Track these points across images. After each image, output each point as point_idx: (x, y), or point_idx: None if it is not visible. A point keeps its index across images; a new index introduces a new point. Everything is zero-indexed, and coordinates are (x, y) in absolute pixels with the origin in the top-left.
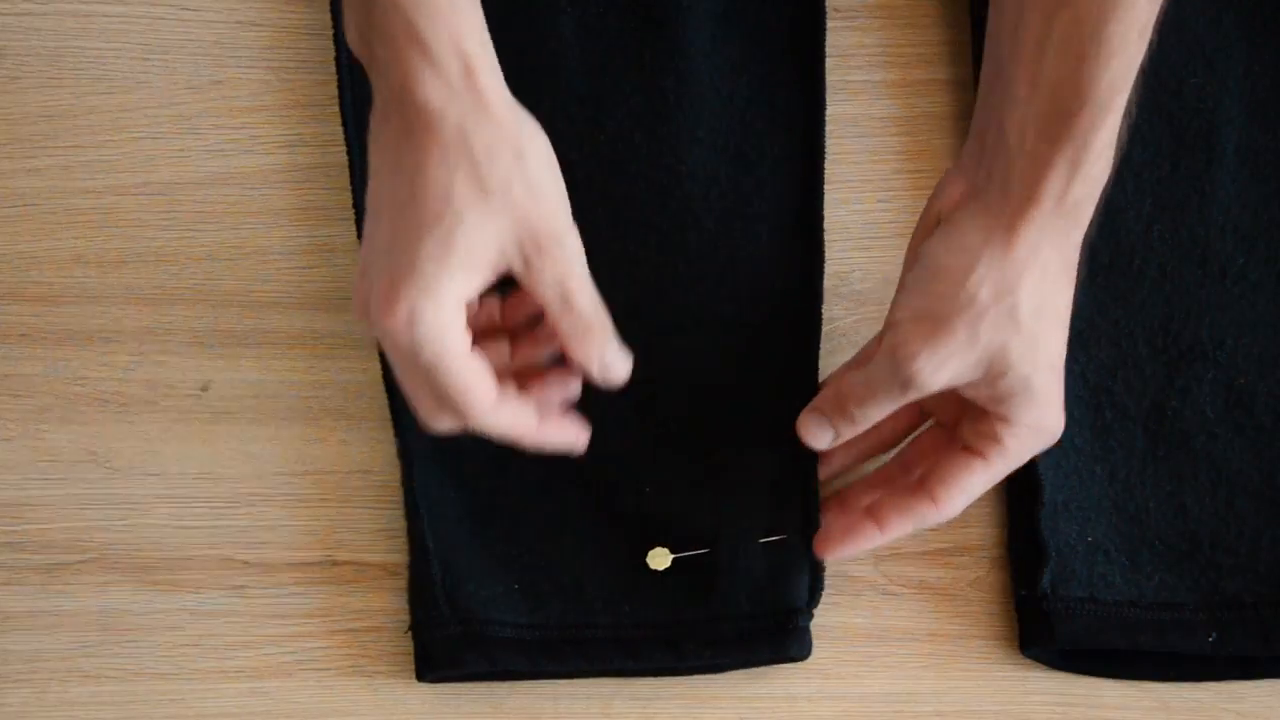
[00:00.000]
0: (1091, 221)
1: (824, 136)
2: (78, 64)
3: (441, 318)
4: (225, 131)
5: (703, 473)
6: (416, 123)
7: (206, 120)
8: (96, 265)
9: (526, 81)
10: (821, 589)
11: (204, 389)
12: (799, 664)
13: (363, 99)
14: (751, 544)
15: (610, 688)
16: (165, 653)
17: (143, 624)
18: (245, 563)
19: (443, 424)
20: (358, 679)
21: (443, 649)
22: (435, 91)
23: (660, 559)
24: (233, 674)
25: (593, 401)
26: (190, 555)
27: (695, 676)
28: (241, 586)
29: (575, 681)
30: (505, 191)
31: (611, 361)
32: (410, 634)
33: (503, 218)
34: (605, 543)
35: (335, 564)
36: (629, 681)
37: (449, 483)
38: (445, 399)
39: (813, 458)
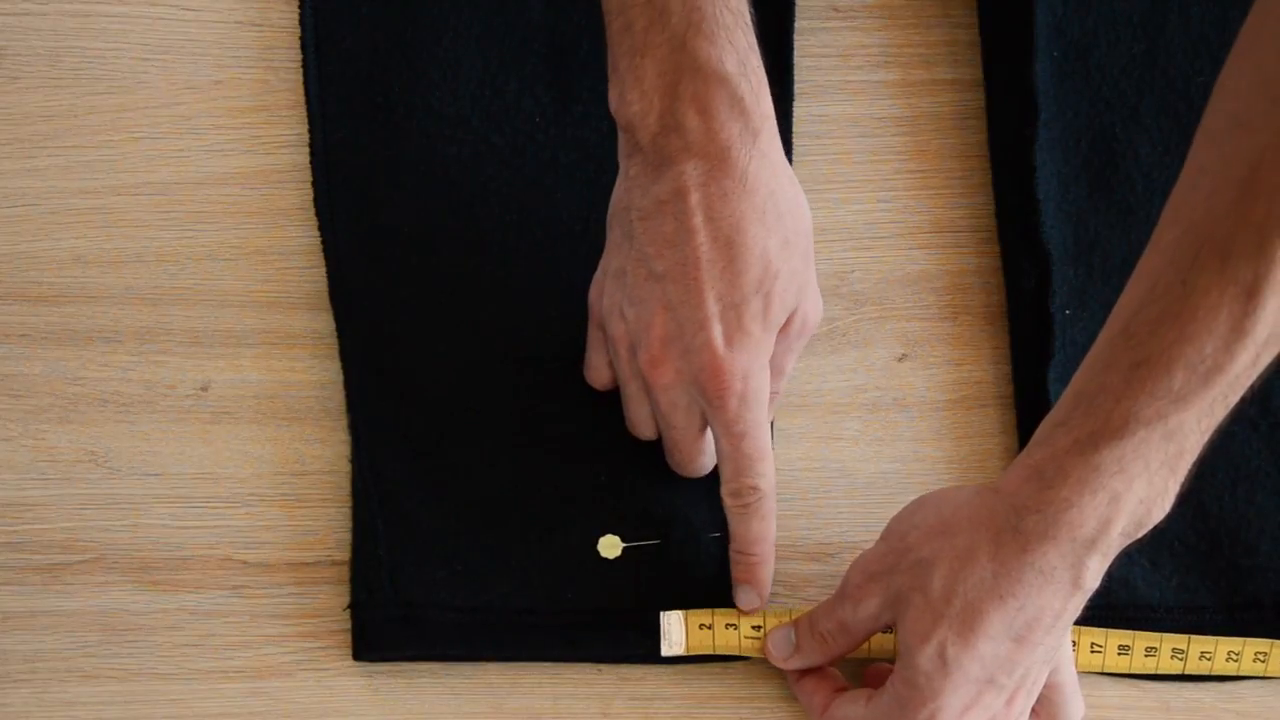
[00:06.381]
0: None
1: (792, 127)
2: (78, 64)
3: (766, 379)
4: (225, 131)
5: (658, 464)
6: (734, 188)
7: (206, 120)
8: (96, 265)
9: (494, 64)
10: None
11: (204, 389)
12: None
13: (331, 100)
14: (702, 538)
15: (610, 688)
16: (165, 653)
17: (143, 624)
18: (245, 563)
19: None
20: (358, 679)
21: (383, 631)
22: (753, 157)
23: (611, 547)
24: (233, 674)
25: (552, 387)
26: (190, 555)
27: (695, 677)
28: (241, 586)
29: (575, 681)
30: (800, 245)
31: None
32: (349, 613)
33: (798, 268)
34: (555, 528)
35: (335, 564)
36: (629, 681)
37: (400, 462)
38: (734, 459)
39: None
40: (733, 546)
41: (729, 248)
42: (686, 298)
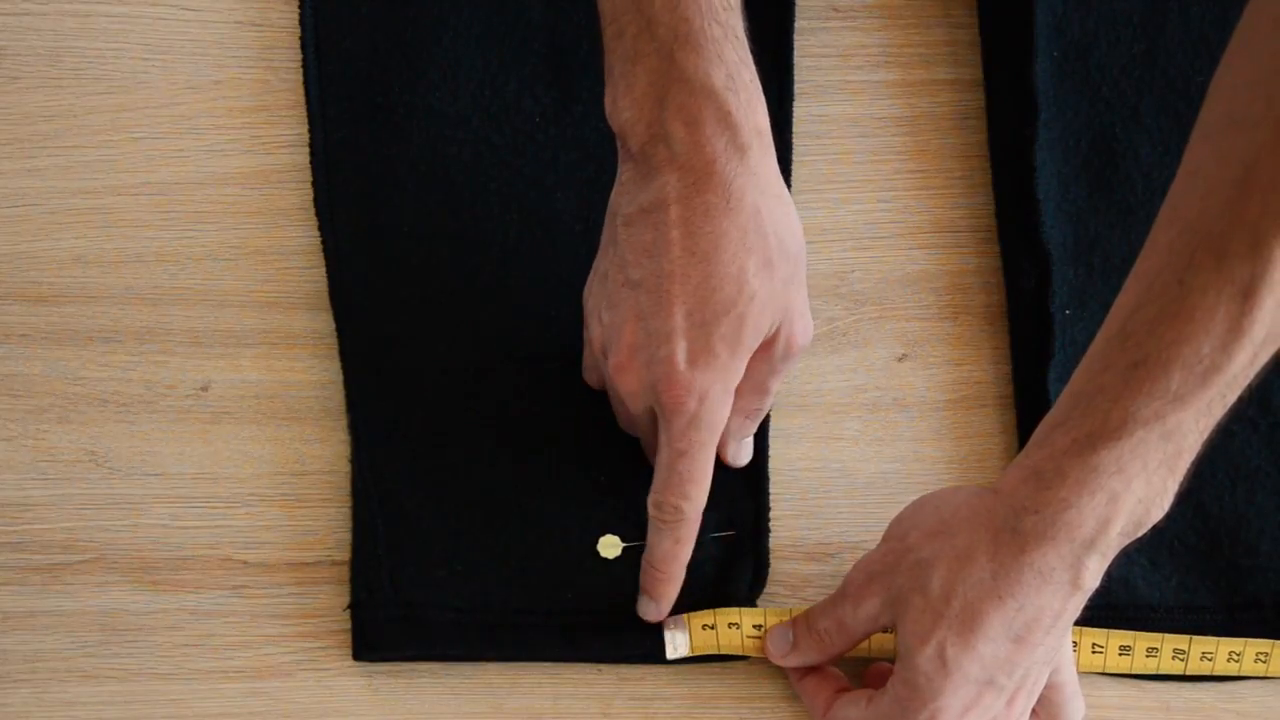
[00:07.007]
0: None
1: (792, 127)
2: (78, 64)
3: (726, 403)
4: (225, 131)
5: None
6: (716, 201)
7: (206, 120)
8: (96, 265)
9: (494, 62)
10: (763, 586)
11: (204, 389)
12: None
13: (331, 100)
14: (702, 538)
15: (610, 688)
16: (165, 653)
17: (143, 624)
18: (245, 563)
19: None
20: (358, 679)
21: (383, 631)
22: (739, 174)
23: (611, 547)
24: (233, 674)
25: (552, 388)
26: (190, 555)
27: (695, 677)
28: (241, 586)
29: (575, 681)
30: (783, 267)
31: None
32: (349, 613)
33: (778, 290)
34: (554, 528)
35: (335, 564)
36: (629, 681)
37: (399, 461)
38: (668, 473)
39: (764, 457)
40: (645, 556)
41: (704, 264)
42: (657, 309)
